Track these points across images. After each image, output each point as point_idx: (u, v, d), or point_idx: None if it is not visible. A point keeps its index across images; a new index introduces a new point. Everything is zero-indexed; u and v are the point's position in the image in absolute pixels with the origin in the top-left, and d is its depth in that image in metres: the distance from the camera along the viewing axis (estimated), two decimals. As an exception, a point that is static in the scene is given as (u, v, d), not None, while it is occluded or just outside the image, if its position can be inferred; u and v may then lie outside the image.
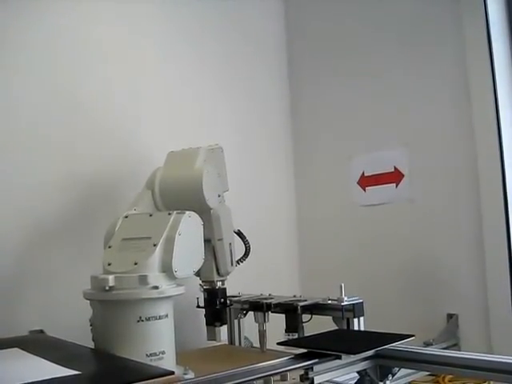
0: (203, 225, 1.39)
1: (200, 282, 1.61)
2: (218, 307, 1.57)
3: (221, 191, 1.58)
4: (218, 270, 1.59)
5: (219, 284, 1.59)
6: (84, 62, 1.73)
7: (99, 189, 1.72)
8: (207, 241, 1.54)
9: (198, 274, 1.58)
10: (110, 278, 1.21)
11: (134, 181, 1.69)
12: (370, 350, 1.10)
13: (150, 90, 1.88)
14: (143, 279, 1.21)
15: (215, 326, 1.58)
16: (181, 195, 1.45)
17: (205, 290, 1.60)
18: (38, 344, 1.31)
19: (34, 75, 1.62)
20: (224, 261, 1.58)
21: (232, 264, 1.62)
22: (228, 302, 1.59)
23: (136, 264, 1.24)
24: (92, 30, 1.75)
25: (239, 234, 1.69)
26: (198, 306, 1.62)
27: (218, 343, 1.64)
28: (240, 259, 1.68)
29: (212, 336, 1.59)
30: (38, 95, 1.63)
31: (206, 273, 1.58)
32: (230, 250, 1.61)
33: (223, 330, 1.63)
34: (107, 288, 1.21)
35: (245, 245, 1.69)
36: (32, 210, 1.59)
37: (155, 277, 1.23)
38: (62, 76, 1.68)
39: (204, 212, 1.45)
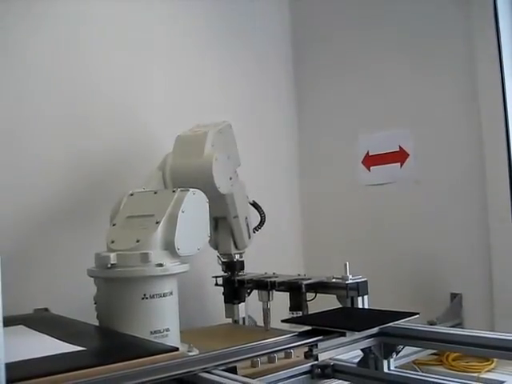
0: (215, 203, 1.39)
1: (218, 254, 1.65)
2: (236, 285, 1.60)
3: (232, 172, 1.56)
4: (235, 244, 1.63)
5: (237, 257, 1.64)
6: (93, 44, 1.72)
7: (105, 167, 1.72)
8: (223, 218, 1.58)
9: (216, 247, 1.64)
10: (112, 255, 1.21)
11: (142, 158, 1.71)
12: (375, 327, 1.10)
13: (156, 69, 1.87)
14: (145, 257, 1.21)
15: (233, 304, 1.62)
16: (192, 184, 1.39)
17: (223, 262, 1.64)
18: (42, 321, 1.31)
19: (42, 57, 1.61)
20: (241, 236, 1.62)
21: (249, 237, 1.66)
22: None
23: (138, 241, 1.23)
24: (97, 14, 1.74)
25: (254, 204, 1.71)
26: (217, 284, 1.64)
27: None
28: (256, 227, 1.70)
29: (230, 313, 1.63)
30: (48, 76, 1.62)
31: (224, 246, 1.63)
32: (247, 224, 1.64)
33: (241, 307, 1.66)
34: (109, 265, 1.20)
35: (260, 215, 1.71)
36: (37, 189, 1.58)
37: (157, 254, 1.22)
38: (70, 57, 1.67)
39: (217, 194, 1.45)
